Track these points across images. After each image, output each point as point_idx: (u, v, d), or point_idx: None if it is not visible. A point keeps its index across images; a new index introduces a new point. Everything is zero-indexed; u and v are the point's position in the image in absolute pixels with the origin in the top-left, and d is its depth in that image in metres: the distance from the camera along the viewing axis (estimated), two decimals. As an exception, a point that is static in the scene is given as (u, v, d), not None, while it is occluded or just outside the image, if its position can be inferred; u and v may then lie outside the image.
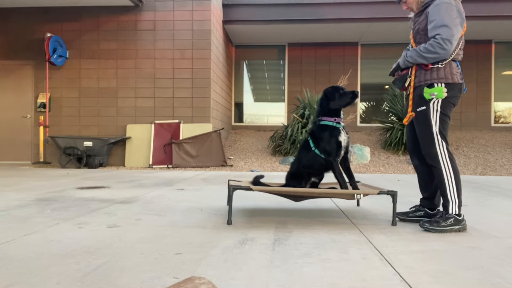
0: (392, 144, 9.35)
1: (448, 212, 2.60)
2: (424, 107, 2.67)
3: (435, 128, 2.65)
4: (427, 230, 2.57)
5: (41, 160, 8.77)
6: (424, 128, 2.69)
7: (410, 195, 4.30)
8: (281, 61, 12.05)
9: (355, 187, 2.93)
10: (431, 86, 2.64)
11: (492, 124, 11.40)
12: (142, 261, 1.89)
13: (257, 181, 3.08)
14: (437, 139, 2.65)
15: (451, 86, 2.64)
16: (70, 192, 4.33)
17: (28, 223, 2.73)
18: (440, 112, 2.64)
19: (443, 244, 2.28)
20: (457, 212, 2.59)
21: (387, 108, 10.43)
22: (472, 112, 11.33)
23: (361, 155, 8.83)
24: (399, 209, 2.97)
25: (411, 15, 2.93)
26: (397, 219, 2.83)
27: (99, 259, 1.92)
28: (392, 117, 9.98)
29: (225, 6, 10.11)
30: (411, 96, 2.76)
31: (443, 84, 2.62)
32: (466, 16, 2.69)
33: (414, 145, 2.89)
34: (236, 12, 10.17)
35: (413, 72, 2.74)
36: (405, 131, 3.07)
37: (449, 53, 2.59)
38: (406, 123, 2.84)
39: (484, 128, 11.24)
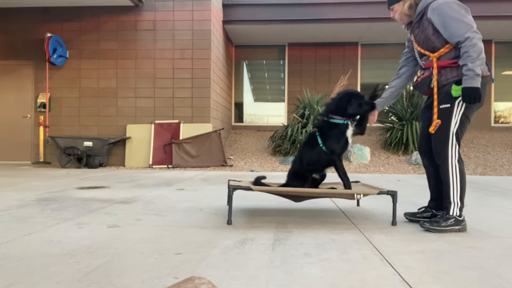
0: (392, 144, 9.35)
1: (449, 213, 2.59)
2: (448, 105, 2.54)
3: (453, 129, 2.55)
4: (427, 230, 2.57)
5: (41, 160, 8.77)
6: (441, 126, 2.57)
7: (410, 195, 4.30)
8: (281, 61, 12.05)
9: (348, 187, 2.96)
10: (458, 83, 2.49)
11: (492, 124, 11.40)
12: (142, 261, 1.89)
13: (257, 181, 3.08)
14: (452, 140, 2.55)
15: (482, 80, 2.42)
16: (70, 192, 4.33)
17: (28, 223, 2.73)
18: (463, 113, 2.54)
19: (443, 244, 2.28)
20: (458, 214, 2.58)
21: (387, 108, 10.43)
22: (472, 112, 11.32)
23: (361, 155, 8.83)
24: (399, 209, 2.96)
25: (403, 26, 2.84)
26: (405, 219, 2.86)
27: (99, 259, 1.92)
28: (392, 117, 9.99)
29: (225, 6, 10.11)
30: (435, 97, 2.59)
31: None
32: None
33: (427, 144, 2.78)
34: (236, 12, 10.17)
35: (435, 71, 2.60)
36: (414, 128, 3.00)
37: (481, 39, 2.43)
38: (433, 132, 2.60)
39: (484, 128, 11.23)
